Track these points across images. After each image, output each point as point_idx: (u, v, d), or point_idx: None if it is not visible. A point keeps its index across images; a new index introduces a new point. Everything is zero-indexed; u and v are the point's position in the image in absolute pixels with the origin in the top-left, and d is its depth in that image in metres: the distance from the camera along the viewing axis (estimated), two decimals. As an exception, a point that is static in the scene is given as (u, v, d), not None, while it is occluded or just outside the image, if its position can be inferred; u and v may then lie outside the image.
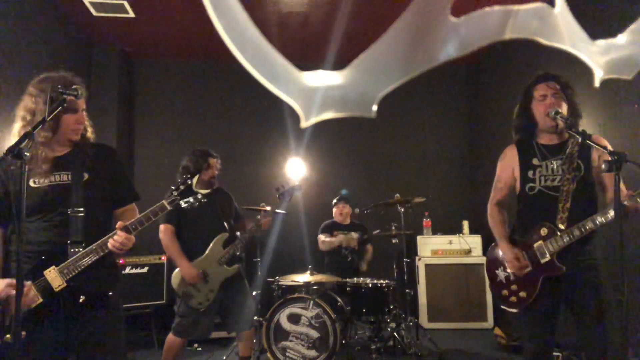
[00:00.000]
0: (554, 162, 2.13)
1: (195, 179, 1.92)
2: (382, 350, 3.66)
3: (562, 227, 2.07)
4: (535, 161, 2.17)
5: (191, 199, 1.91)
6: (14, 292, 1.40)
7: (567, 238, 2.05)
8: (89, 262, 1.74)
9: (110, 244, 1.75)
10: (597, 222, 1.97)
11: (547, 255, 2.10)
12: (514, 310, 2.23)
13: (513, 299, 2.21)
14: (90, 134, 1.93)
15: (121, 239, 1.75)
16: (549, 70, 2.22)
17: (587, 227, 1.99)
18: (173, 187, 1.93)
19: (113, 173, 1.98)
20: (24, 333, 1.42)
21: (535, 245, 2.14)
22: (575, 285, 2.08)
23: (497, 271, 2.30)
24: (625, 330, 1.74)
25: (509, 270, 2.23)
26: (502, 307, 2.28)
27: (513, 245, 2.23)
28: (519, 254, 2.16)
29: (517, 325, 2.46)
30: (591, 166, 2.10)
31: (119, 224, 1.79)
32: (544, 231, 2.12)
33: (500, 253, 2.29)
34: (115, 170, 2.01)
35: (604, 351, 1.99)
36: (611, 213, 1.92)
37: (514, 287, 2.21)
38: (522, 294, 2.17)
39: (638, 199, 1.90)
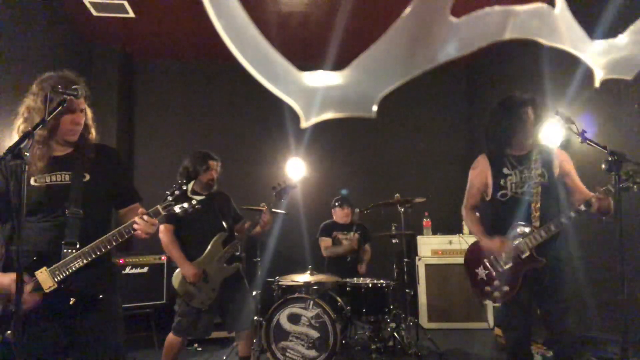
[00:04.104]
0: (523, 170, 2.39)
1: (190, 185, 1.92)
2: (382, 350, 3.66)
3: (537, 224, 2.29)
4: (505, 170, 2.42)
5: (185, 205, 1.91)
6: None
7: (544, 233, 2.26)
8: (82, 264, 1.72)
9: (137, 231, 1.78)
10: (563, 222, 2.23)
11: (527, 251, 2.30)
12: (498, 304, 2.46)
13: (497, 294, 2.41)
14: (92, 135, 1.92)
15: (142, 224, 1.78)
16: (529, 90, 2.54)
17: (553, 228, 2.25)
18: (168, 192, 1.92)
19: (115, 174, 1.98)
20: (9, 333, 1.42)
21: (515, 243, 2.33)
22: (544, 272, 2.32)
23: (477, 270, 2.51)
24: (625, 330, 1.75)
25: (489, 267, 2.44)
26: (485, 302, 2.52)
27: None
28: (500, 238, 2.36)
29: (499, 316, 2.70)
30: (553, 172, 2.38)
31: (141, 210, 1.81)
32: (521, 230, 2.33)
33: (479, 252, 2.50)
34: (118, 171, 2.01)
35: (564, 322, 2.25)
36: (572, 214, 2.21)
37: (496, 282, 2.40)
38: (506, 288, 2.37)
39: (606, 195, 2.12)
